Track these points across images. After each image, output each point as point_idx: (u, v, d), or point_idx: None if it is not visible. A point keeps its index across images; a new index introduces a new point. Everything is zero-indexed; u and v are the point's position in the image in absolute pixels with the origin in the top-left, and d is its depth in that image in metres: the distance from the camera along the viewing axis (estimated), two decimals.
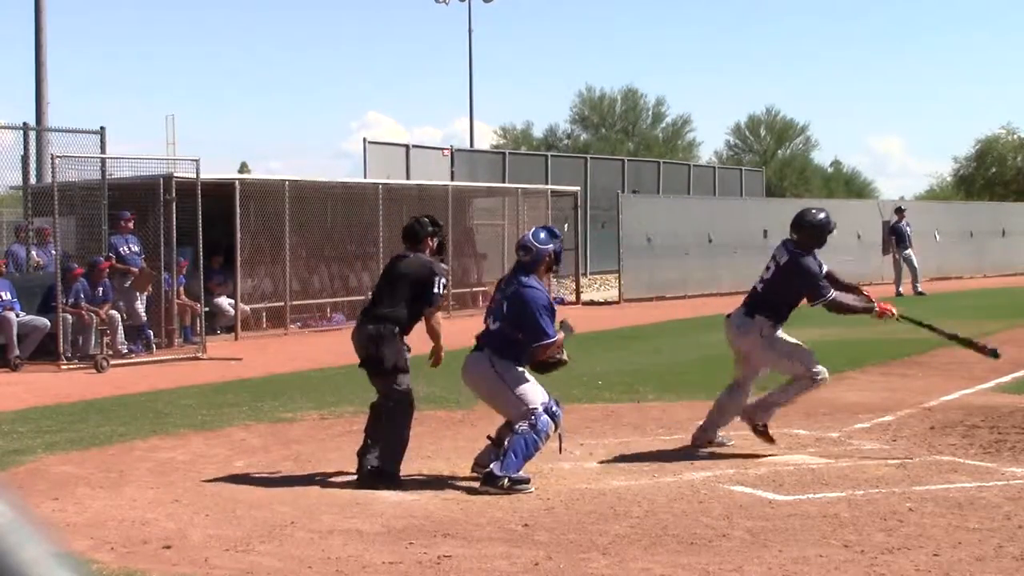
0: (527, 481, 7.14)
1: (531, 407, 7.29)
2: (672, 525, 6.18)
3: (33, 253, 16.77)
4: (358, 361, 7.73)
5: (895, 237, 27.20)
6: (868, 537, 5.87)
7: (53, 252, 15.56)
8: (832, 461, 7.90)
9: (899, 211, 28.01)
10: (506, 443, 7.29)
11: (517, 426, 7.28)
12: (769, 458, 8.04)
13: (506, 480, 7.06)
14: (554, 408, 7.40)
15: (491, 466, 7.16)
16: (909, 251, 26.92)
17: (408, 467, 7.88)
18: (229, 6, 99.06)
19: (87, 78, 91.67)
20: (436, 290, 7.66)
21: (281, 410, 10.74)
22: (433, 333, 7.76)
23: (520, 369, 7.48)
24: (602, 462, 8.02)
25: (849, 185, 72.56)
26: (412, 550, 5.72)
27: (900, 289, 26.14)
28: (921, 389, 11.37)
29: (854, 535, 5.91)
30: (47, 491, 7.26)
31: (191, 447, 8.89)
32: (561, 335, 7.64)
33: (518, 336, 7.45)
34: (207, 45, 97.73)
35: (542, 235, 7.74)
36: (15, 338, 14.73)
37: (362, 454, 7.48)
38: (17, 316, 14.91)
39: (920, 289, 26.35)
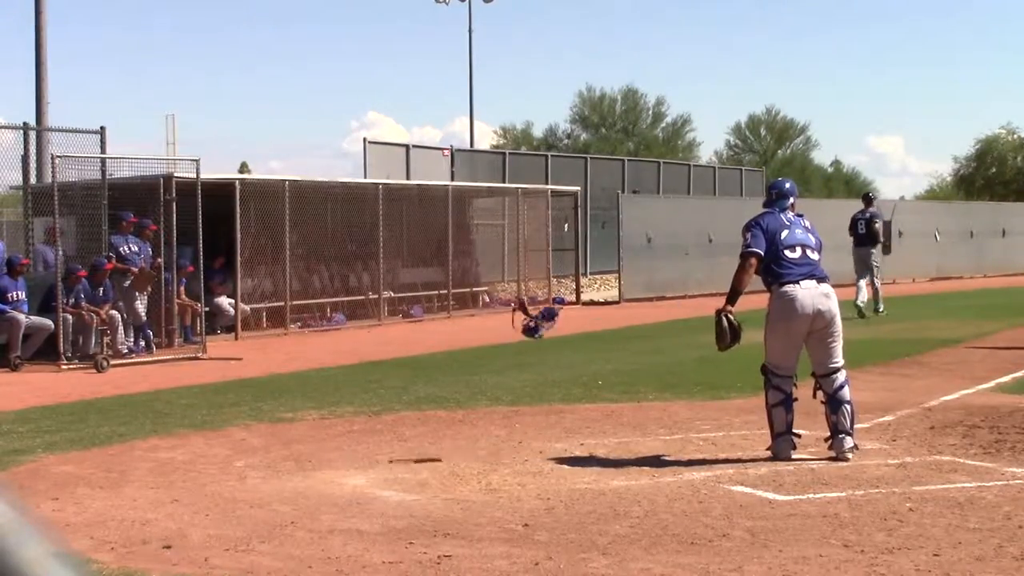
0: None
1: (843, 363, 8.10)
2: (672, 525, 6.17)
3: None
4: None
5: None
6: (868, 537, 5.87)
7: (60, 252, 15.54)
8: (832, 461, 7.89)
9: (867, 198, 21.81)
10: (843, 415, 7.90)
11: (842, 394, 7.94)
12: (769, 458, 8.04)
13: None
14: None
15: (846, 440, 7.89)
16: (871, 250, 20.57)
17: (409, 467, 7.89)
18: (229, 6, 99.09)
19: (87, 78, 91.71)
20: None
21: (281, 410, 10.74)
22: None
23: None
24: (602, 462, 8.02)
25: (849, 185, 72.53)
26: (412, 550, 5.71)
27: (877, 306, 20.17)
28: (921, 389, 11.37)
29: (854, 535, 5.91)
30: (47, 491, 7.26)
31: (191, 447, 8.88)
32: None
33: None
34: (207, 45, 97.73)
35: (787, 185, 8.70)
36: (20, 338, 14.75)
37: None
38: (25, 317, 14.94)
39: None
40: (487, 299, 25.07)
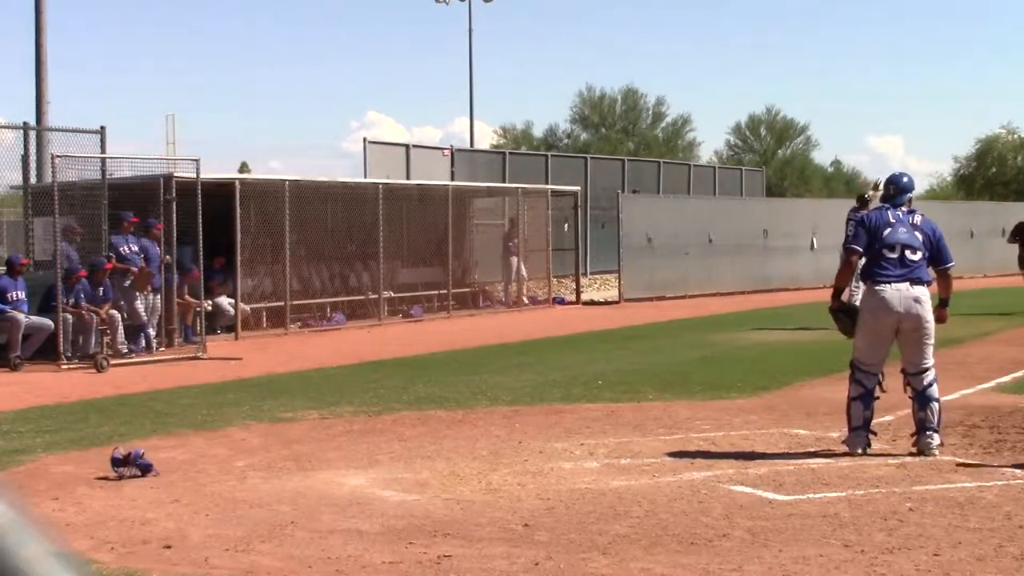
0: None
1: (933, 363, 8.16)
2: (672, 525, 6.17)
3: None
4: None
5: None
6: (868, 537, 5.87)
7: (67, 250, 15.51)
8: (832, 461, 7.90)
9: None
10: (931, 412, 8.04)
11: (930, 392, 8.07)
12: (769, 458, 8.04)
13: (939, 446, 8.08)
14: None
15: (934, 437, 8.01)
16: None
17: (409, 467, 7.88)
18: (229, 6, 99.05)
19: (87, 78, 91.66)
20: None
21: (281, 410, 10.74)
22: None
23: None
24: (602, 462, 8.02)
25: (849, 185, 72.47)
26: (412, 550, 5.71)
27: None
28: None
29: (854, 535, 5.91)
30: (47, 491, 7.26)
31: (191, 447, 8.89)
32: None
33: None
34: (207, 45, 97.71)
35: (905, 179, 8.67)
36: (20, 338, 14.75)
37: None
38: (25, 317, 14.93)
39: None
40: (487, 301, 25.07)
